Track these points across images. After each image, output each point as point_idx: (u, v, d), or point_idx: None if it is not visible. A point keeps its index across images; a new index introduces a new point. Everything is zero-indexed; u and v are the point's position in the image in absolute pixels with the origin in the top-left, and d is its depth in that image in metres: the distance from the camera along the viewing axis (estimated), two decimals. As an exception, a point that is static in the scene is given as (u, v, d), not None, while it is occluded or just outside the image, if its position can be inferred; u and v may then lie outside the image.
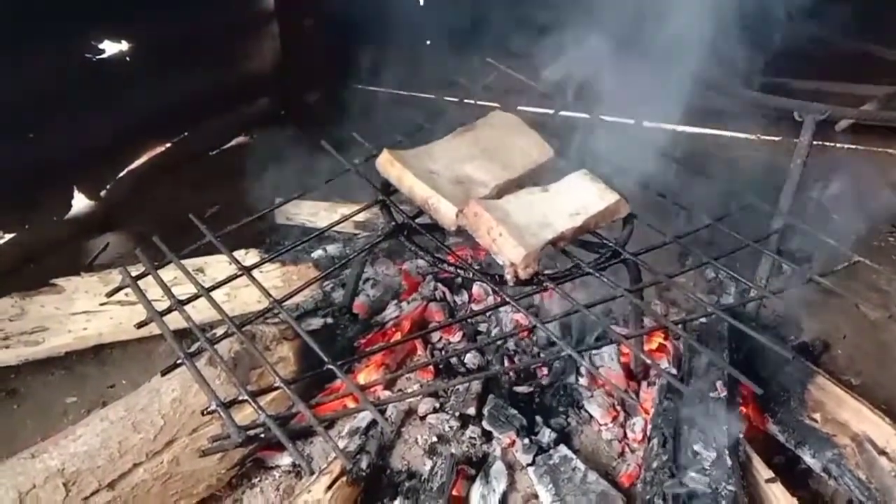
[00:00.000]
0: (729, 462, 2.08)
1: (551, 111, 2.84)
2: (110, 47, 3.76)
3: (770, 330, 2.92)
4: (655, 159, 2.46)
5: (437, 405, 2.43)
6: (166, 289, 1.85)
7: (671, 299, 2.94)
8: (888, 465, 2.14)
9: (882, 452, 2.16)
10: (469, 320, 2.80)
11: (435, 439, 2.32)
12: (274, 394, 2.04)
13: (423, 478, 2.20)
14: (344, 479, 2.08)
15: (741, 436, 2.23)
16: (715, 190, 2.48)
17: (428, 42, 4.43)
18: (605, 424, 2.42)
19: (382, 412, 2.37)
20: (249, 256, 3.01)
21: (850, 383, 2.68)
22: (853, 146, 4.06)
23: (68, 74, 3.55)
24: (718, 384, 2.32)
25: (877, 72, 3.28)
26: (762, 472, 2.17)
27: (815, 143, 2.60)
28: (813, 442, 2.33)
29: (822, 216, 3.78)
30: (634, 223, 2.20)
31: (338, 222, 2.31)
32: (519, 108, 2.81)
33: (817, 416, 2.36)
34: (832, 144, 4.01)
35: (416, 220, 2.24)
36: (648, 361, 1.81)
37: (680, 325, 1.96)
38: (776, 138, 3.83)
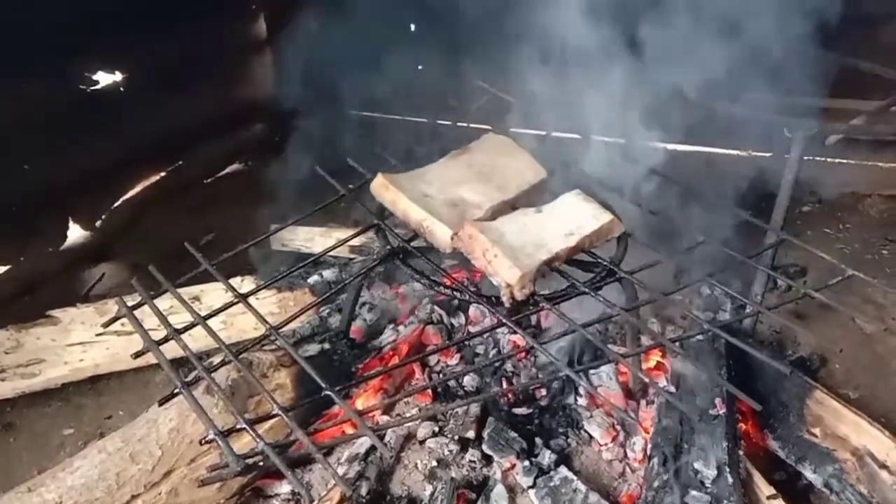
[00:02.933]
0: (730, 479, 2.08)
1: (544, 132, 2.86)
2: (104, 77, 3.78)
3: (767, 345, 2.92)
4: (648, 178, 2.48)
5: (437, 429, 2.42)
6: (162, 318, 1.84)
7: (667, 317, 2.94)
8: (889, 479, 2.13)
9: (883, 466, 2.16)
10: (466, 343, 2.80)
11: (435, 464, 2.31)
12: (272, 421, 2.04)
13: (423, 503, 2.19)
14: (344, 505, 2.08)
15: (741, 452, 2.23)
16: (708, 206, 2.49)
17: (420, 66, 4.46)
18: (605, 444, 2.41)
19: (381, 437, 2.36)
20: (245, 283, 3.01)
21: (849, 397, 2.68)
22: (843, 160, 4.09)
23: (62, 105, 3.56)
24: (717, 401, 2.32)
25: (864, 87, 3.33)
26: (763, 488, 2.16)
27: (805, 157, 2.62)
28: (813, 457, 2.32)
29: (816, 230, 3.82)
30: (628, 241, 2.21)
31: (333, 247, 2.32)
32: (511, 129, 2.83)
33: (817, 430, 2.35)
34: (823, 159, 4.05)
35: (412, 244, 2.25)
36: (647, 380, 1.81)
37: (677, 343, 1.96)
38: (767, 154, 3.86)
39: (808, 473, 2.32)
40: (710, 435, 2.22)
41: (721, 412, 2.29)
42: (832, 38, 2.66)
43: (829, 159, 4.07)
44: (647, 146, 2.57)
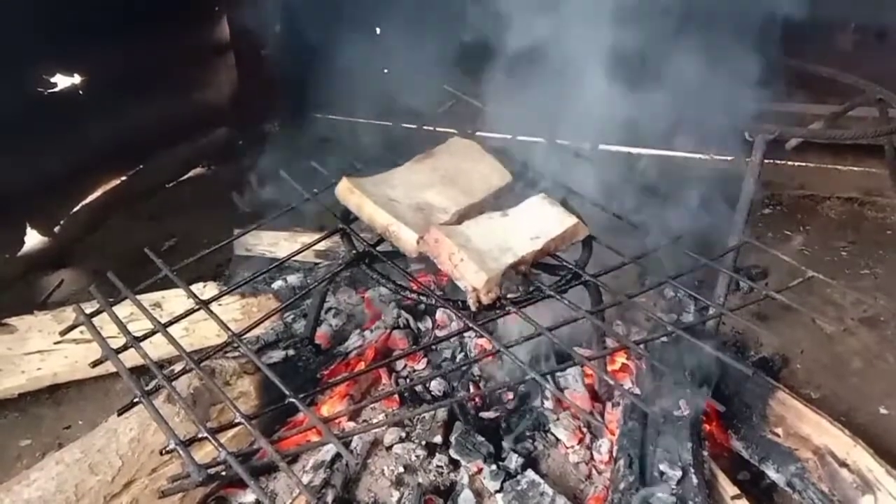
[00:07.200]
0: (695, 480, 2.09)
1: (509, 136, 2.87)
2: (62, 80, 3.71)
3: (730, 346, 2.96)
4: (612, 181, 2.50)
5: (403, 434, 2.40)
6: (122, 325, 1.81)
7: (632, 319, 2.96)
8: (849, 477, 2.17)
9: (843, 464, 2.19)
10: (433, 347, 2.78)
11: (401, 469, 2.29)
12: (235, 430, 1.99)
13: (390, 509, 2.17)
14: (309, 514, 2.05)
15: (706, 453, 2.25)
16: (671, 209, 2.52)
17: (385, 70, 4.45)
18: (572, 447, 2.41)
19: (347, 444, 2.33)
20: (208, 289, 2.96)
21: (810, 397, 2.72)
22: (803, 163, 4.18)
23: (19, 108, 3.48)
24: (682, 402, 2.34)
25: (823, 91, 3.41)
26: (728, 489, 2.18)
27: (766, 161, 2.66)
28: (776, 457, 2.35)
29: (777, 232, 3.88)
30: (593, 245, 2.22)
31: (298, 252, 2.29)
32: (477, 133, 2.84)
33: (779, 430, 2.38)
34: (783, 162, 4.12)
35: (378, 248, 2.24)
36: (612, 382, 1.82)
37: (641, 345, 1.97)
38: (729, 157, 3.92)
39: (772, 473, 2.35)
40: (674, 436, 2.23)
41: (685, 413, 2.31)
42: (792, 44, 2.72)
43: (789, 162, 4.15)
44: (611, 150, 2.59)
